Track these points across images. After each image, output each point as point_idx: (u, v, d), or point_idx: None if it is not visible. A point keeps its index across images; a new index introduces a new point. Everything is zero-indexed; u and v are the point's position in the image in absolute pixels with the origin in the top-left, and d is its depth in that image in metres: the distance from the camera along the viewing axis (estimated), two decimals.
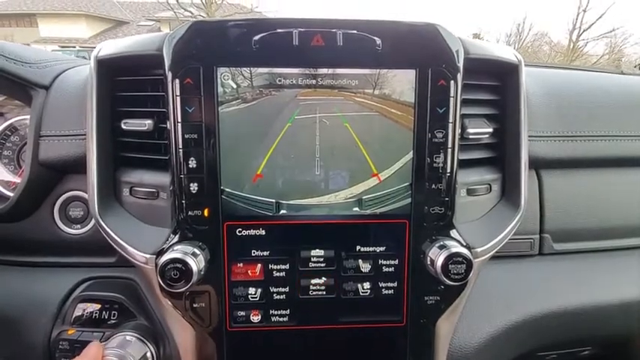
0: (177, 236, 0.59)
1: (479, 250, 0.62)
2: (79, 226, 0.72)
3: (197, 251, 0.56)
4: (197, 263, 0.54)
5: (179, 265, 0.53)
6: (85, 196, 0.69)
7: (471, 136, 0.64)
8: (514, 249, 0.76)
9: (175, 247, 0.56)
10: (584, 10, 17.71)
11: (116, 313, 0.67)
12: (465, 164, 0.64)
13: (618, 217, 0.82)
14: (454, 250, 0.56)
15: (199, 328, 0.61)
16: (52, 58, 0.78)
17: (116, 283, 0.71)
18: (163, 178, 0.61)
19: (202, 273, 0.56)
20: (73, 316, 0.67)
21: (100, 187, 0.61)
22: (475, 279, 0.67)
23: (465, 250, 0.57)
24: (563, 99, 0.79)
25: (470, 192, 0.66)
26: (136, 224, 0.63)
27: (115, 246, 0.61)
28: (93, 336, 0.64)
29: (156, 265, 0.55)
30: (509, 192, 0.69)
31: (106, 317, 0.67)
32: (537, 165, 0.77)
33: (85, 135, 0.63)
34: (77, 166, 0.66)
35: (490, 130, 0.66)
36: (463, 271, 0.56)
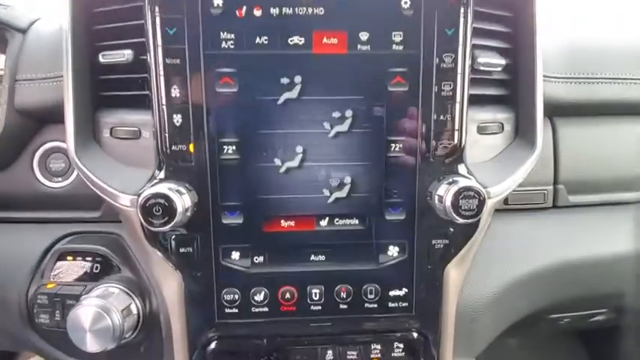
0: (161, 173, 0.54)
1: (491, 189, 0.56)
2: (60, 179, 0.68)
3: (182, 190, 0.51)
4: (182, 201, 0.50)
5: (161, 201, 0.48)
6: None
7: (481, 67, 0.58)
8: (527, 200, 0.71)
9: (159, 184, 0.51)
10: None
11: (99, 266, 0.62)
12: (475, 100, 0.59)
13: (635, 168, 0.77)
14: (464, 184, 0.51)
15: (188, 276, 0.57)
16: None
17: (100, 238, 0.66)
18: (145, 117, 0.56)
19: (188, 214, 0.51)
20: (53, 270, 0.62)
21: (77, 126, 0.56)
22: (486, 227, 0.62)
23: (476, 184, 0.52)
24: (577, 40, 0.74)
25: (480, 130, 0.60)
26: (117, 166, 0.58)
27: (94, 188, 0.56)
28: (73, 289, 0.59)
29: (137, 203, 0.50)
30: (523, 131, 0.63)
31: (89, 271, 0.62)
32: (551, 112, 0.72)
33: (62, 77, 0.58)
34: (56, 114, 0.61)
35: (502, 62, 0.60)
36: (475, 206, 0.51)
